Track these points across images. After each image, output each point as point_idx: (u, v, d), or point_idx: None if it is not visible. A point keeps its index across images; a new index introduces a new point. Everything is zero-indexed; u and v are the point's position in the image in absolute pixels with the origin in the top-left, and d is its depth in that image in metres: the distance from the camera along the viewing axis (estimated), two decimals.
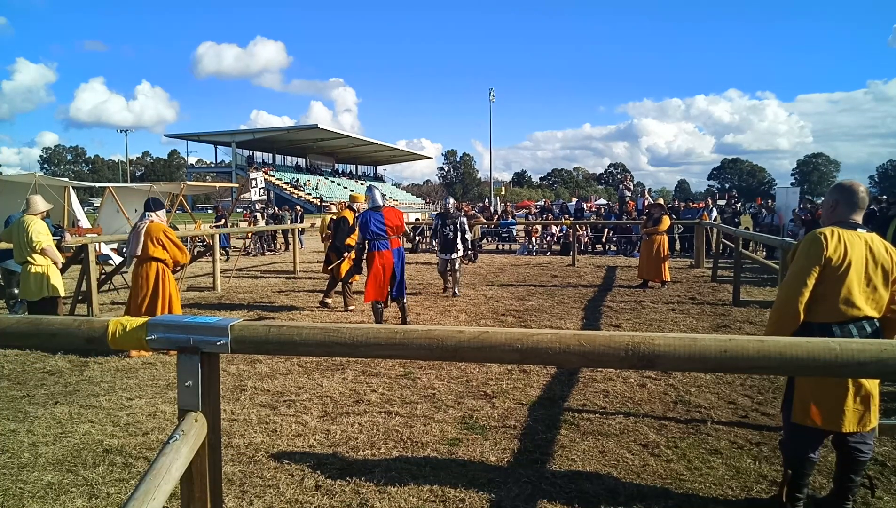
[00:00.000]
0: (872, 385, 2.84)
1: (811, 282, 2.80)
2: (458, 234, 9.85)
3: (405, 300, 7.58)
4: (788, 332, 2.81)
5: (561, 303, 9.25)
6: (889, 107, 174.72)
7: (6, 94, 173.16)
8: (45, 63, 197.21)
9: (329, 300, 9.17)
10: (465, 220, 10.16)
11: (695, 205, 21.56)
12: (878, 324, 2.86)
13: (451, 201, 10.88)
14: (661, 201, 13.34)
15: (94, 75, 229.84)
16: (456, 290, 9.96)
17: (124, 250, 6.92)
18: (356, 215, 9.12)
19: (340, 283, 8.99)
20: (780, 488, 3.13)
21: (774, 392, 4.81)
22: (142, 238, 6.22)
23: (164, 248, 6.26)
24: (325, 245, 14.31)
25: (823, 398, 2.85)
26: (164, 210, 6.60)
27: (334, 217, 9.95)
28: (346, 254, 8.86)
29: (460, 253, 9.96)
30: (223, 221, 21.05)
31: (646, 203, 17.37)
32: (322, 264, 10.18)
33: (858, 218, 2.90)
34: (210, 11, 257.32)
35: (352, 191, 69.11)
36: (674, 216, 15.31)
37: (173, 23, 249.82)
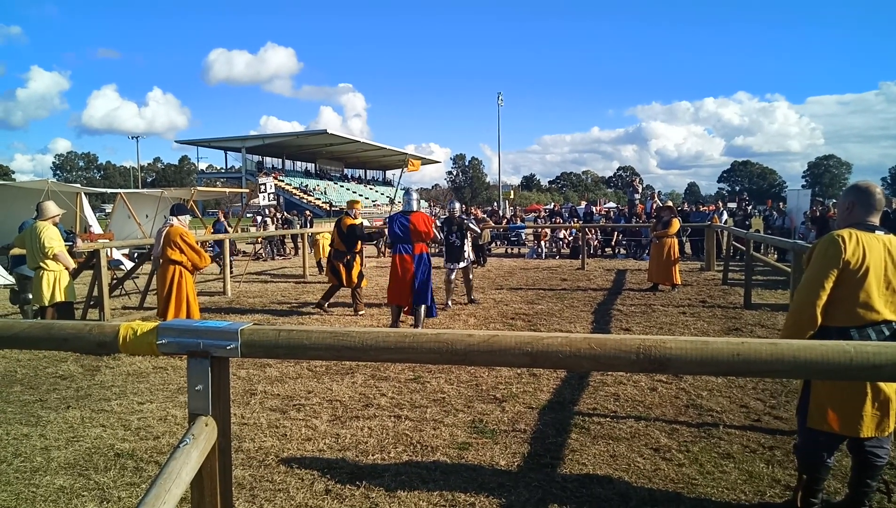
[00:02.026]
0: (891, 390, 2.79)
1: (829, 285, 2.73)
2: (465, 240, 9.40)
3: (423, 311, 7.38)
4: (805, 336, 2.75)
5: (570, 307, 9.21)
6: None
7: (20, 101, 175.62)
8: (59, 71, 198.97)
9: (326, 305, 9.07)
10: (471, 224, 9.68)
11: (705, 208, 21.43)
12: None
13: (457, 204, 10.17)
14: (670, 203, 13.28)
15: (106, 83, 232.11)
16: (473, 296, 9.68)
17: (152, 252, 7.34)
18: (354, 219, 9.14)
19: (351, 289, 8.98)
20: (794, 493, 3.10)
21: (787, 396, 4.77)
22: (161, 241, 6.68)
23: (180, 251, 6.64)
24: (320, 251, 14.27)
25: (841, 402, 2.81)
26: (187, 216, 7.04)
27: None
28: (347, 257, 8.84)
29: (469, 260, 9.58)
30: (225, 230, 17.65)
31: (654, 206, 17.30)
32: (325, 270, 9.93)
33: (876, 220, 2.84)
34: (221, 18, 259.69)
35: (359, 196, 69.30)
36: (681, 219, 15.21)
37: (185, 30, 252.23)
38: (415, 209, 7.46)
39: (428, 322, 7.63)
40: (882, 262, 2.73)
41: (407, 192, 7.84)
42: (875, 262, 2.72)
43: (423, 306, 7.36)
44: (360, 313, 8.86)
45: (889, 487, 3.13)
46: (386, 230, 8.73)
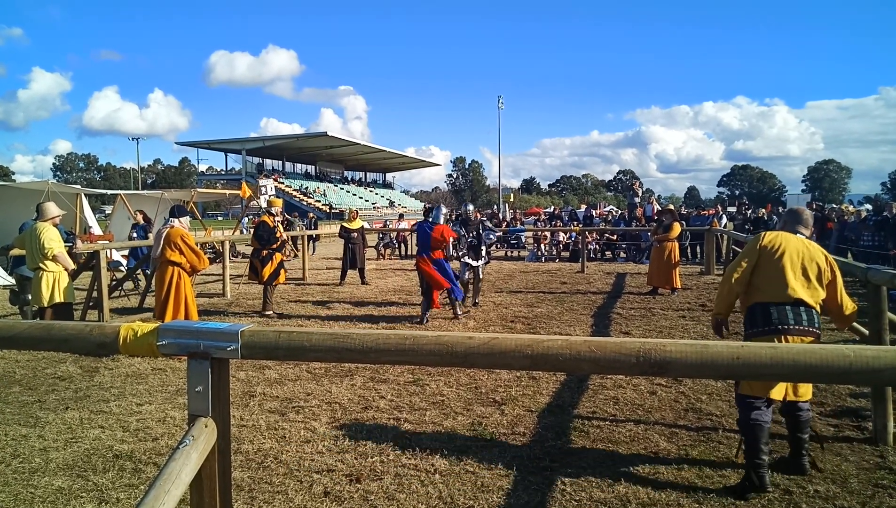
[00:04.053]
0: None
1: (745, 264, 3.50)
2: (482, 240, 9.61)
3: (458, 299, 8.49)
4: (729, 302, 3.63)
5: (570, 310, 9.21)
6: None
7: (22, 102, 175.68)
8: (60, 72, 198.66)
9: (269, 312, 9.01)
10: (487, 222, 10.13)
11: (705, 212, 21.43)
12: (816, 314, 3.38)
13: (471, 206, 10.35)
14: (671, 207, 13.28)
15: (107, 84, 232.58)
16: (477, 300, 9.72)
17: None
18: (274, 219, 9.32)
19: (263, 286, 9.03)
20: (737, 451, 3.60)
21: None
22: (161, 242, 6.65)
23: (180, 252, 6.62)
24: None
25: None
26: (187, 217, 7.04)
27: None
28: (263, 254, 8.95)
29: (485, 260, 9.87)
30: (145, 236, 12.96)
31: (654, 209, 17.28)
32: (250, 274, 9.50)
33: (805, 232, 3.63)
34: (223, 20, 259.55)
35: (359, 198, 69.35)
36: (684, 223, 15.21)
37: (187, 32, 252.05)
38: (440, 222, 8.53)
39: (431, 323, 7.79)
40: (799, 253, 3.41)
41: (438, 207, 8.99)
42: (791, 250, 3.41)
43: (451, 293, 8.43)
44: (267, 313, 8.90)
45: (821, 438, 3.85)
46: (285, 238, 9.88)
